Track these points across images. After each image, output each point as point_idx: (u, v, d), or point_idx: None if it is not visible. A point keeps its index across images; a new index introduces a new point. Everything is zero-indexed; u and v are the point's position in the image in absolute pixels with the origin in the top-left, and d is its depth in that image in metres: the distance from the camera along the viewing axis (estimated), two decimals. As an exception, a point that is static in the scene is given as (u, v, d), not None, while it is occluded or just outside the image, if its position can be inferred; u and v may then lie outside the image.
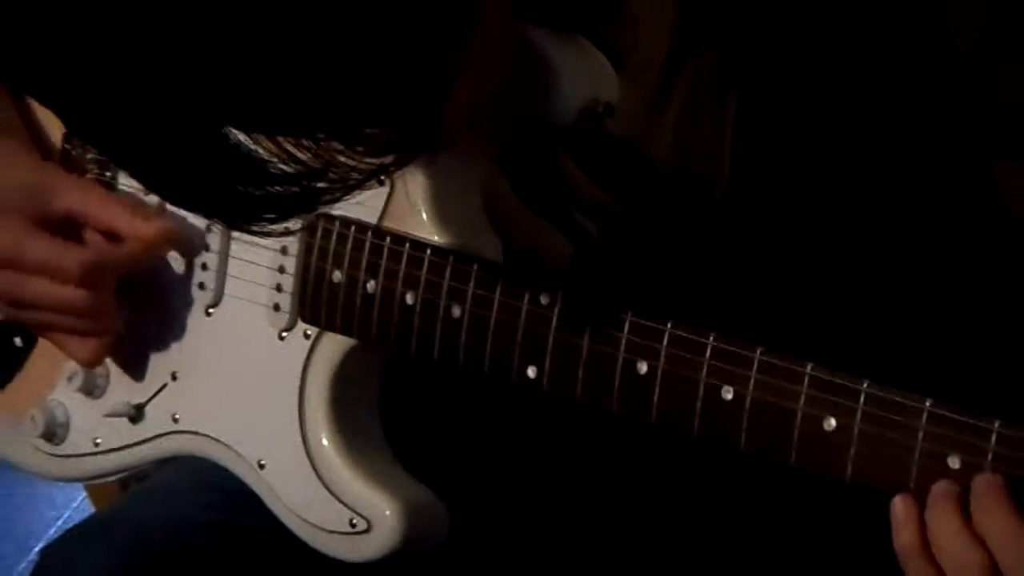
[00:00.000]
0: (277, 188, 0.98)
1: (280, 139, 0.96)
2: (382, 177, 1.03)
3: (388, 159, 1.01)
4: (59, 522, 2.89)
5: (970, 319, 1.33)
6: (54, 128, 1.48)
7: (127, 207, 1.39)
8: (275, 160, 0.96)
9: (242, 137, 0.95)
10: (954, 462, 1.05)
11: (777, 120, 1.27)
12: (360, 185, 1.00)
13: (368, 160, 0.99)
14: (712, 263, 1.31)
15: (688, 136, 1.28)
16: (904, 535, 1.07)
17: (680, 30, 1.26)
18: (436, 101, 0.99)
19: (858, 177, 1.29)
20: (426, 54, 0.96)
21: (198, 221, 1.38)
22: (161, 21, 0.91)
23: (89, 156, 1.45)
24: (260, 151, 0.96)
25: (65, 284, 1.36)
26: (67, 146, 1.47)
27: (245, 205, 0.99)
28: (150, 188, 1.02)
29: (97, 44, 0.92)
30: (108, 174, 1.45)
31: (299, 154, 0.96)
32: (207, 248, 1.39)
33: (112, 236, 1.38)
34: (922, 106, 1.30)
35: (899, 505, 1.07)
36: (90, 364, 1.42)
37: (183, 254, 1.40)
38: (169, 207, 1.38)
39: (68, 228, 1.38)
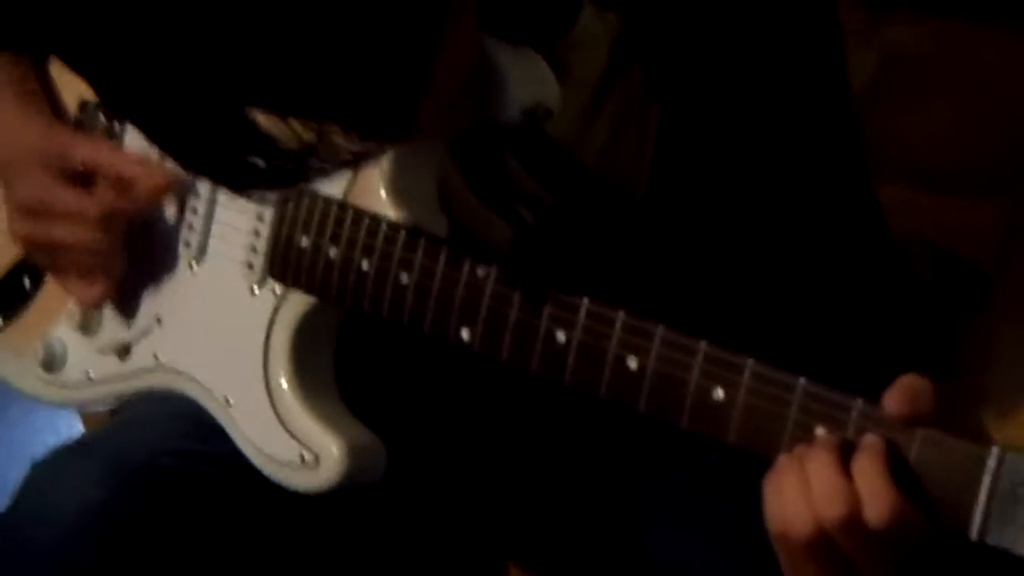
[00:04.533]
0: (279, 161, 0.99)
1: (290, 120, 0.97)
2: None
3: (373, 145, 1.02)
4: (60, 448, 2.86)
5: (844, 308, 1.33)
6: (69, 98, 1.46)
7: (135, 156, 1.38)
8: (281, 137, 0.98)
9: (259, 116, 0.97)
10: (820, 432, 1.05)
11: (692, 135, 1.27)
12: (348, 165, 1.02)
13: (358, 144, 1.00)
14: (628, 253, 1.31)
15: (614, 145, 1.28)
16: (786, 477, 1.05)
17: (616, 51, 1.26)
18: (415, 98, 1.00)
19: (759, 189, 1.29)
20: (408, 61, 0.98)
21: (187, 189, 1.38)
22: (201, 15, 0.93)
23: (99, 126, 1.44)
24: (270, 128, 0.97)
25: (85, 227, 1.36)
26: (81, 116, 1.45)
27: (249, 174, 1.00)
28: (167, 152, 1.02)
29: (140, 29, 0.94)
30: (115, 141, 1.43)
31: (303, 134, 0.98)
32: (194, 212, 1.38)
33: (121, 185, 1.37)
34: (815, 131, 1.30)
35: (782, 456, 1.05)
36: (92, 304, 1.41)
37: (173, 216, 1.39)
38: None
39: (83, 179, 1.38)
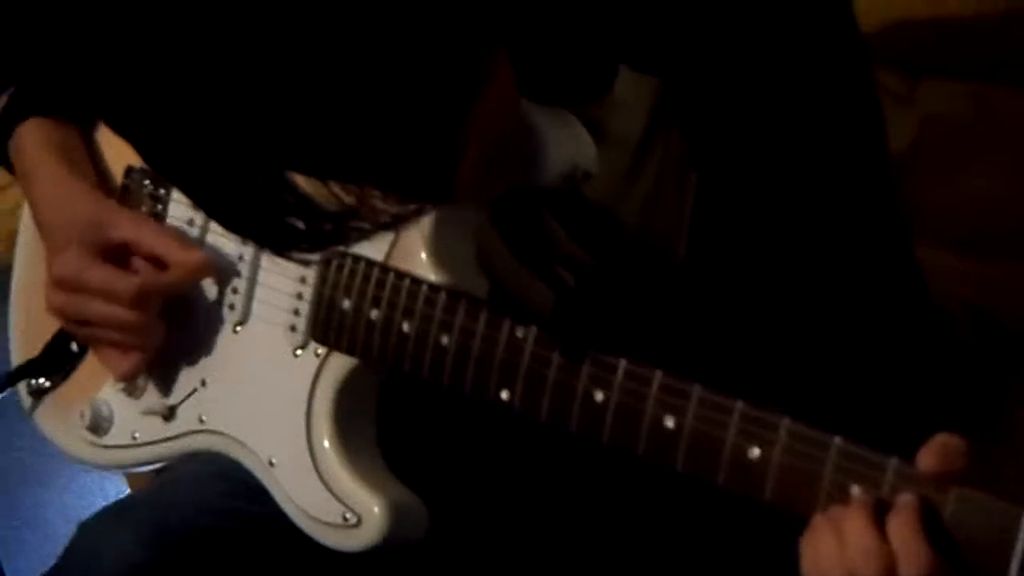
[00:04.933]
0: (319, 223, 1.01)
1: (330, 182, 0.99)
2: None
3: (412, 207, 1.03)
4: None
5: (885, 371, 1.33)
6: (117, 166, 1.48)
7: (174, 238, 1.40)
8: (321, 200, 1.00)
9: (299, 179, 0.99)
10: (855, 491, 1.05)
11: (731, 200, 1.28)
12: (388, 227, 1.03)
13: (397, 206, 1.02)
14: (667, 315, 1.31)
15: (654, 208, 1.29)
16: (822, 537, 1.06)
17: (654, 117, 1.27)
18: (453, 161, 1.02)
19: (799, 254, 1.30)
20: (446, 124, 1.00)
21: (231, 253, 1.40)
22: (242, 82, 0.95)
23: (145, 192, 1.46)
24: (310, 190, 0.99)
25: (118, 305, 1.38)
26: (127, 182, 1.47)
27: (289, 236, 1.02)
28: (208, 214, 1.04)
29: (184, 94, 0.96)
30: (159, 207, 1.45)
31: (343, 196, 1.00)
32: (238, 275, 1.39)
33: (158, 263, 1.39)
34: (855, 196, 1.30)
35: (818, 516, 1.06)
36: (126, 377, 1.43)
37: (217, 280, 1.40)
38: (207, 240, 1.40)
39: (122, 256, 1.40)
